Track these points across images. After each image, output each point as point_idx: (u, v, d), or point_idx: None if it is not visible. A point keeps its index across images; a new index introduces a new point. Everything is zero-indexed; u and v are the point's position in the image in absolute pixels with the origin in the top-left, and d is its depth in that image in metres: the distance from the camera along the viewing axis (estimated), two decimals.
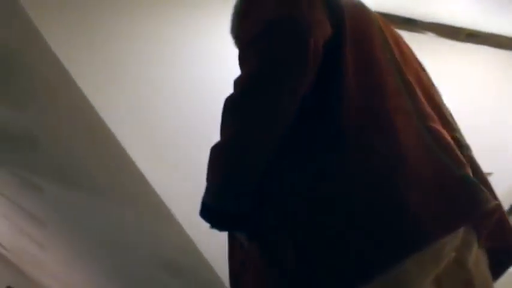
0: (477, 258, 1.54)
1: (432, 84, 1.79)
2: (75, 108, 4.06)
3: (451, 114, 1.75)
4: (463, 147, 1.67)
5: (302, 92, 1.50)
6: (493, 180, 5.39)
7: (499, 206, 1.49)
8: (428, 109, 1.58)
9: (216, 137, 1.61)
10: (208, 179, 1.59)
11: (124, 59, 3.87)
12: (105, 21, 3.78)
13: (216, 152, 1.57)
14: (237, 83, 1.55)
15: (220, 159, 1.56)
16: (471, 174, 1.47)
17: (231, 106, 1.55)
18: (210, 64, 3.85)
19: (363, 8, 1.72)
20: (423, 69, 1.80)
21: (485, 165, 5.35)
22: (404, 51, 1.74)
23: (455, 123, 1.73)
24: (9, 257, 9.36)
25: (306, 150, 1.51)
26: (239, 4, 1.71)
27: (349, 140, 1.46)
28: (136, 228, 5.12)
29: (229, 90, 1.58)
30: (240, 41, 1.66)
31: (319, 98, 1.51)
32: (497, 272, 1.62)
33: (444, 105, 1.75)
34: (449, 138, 1.54)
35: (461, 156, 1.50)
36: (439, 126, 1.55)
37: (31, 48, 3.78)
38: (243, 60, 1.58)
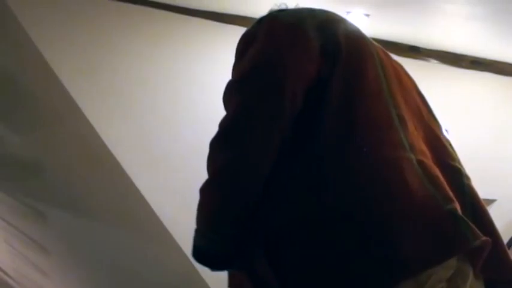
0: (473, 285, 1.53)
1: (432, 116, 1.77)
2: (80, 135, 4.08)
3: (450, 145, 1.74)
4: (464, 176, 1.66)
5: (280, 136, 1.51)
6: (497, 206, 5.38)
7: (487, 242, 1.48)
8: (420, 143, 1.57)
9: None
10: (198, 220, 1.58)
11: (130, 88, 3.89)
12: (112, 51, 3.81)
13: (204, 192, 1.56)
14: (220, 125, 1.57)
15: (210, 199, 1.55)
16: (459, 210, 1.46)
17: (213, 150, 1.56)
18: (216, 94, 3.87)
19: (361, 40, 1.68)
20: (423, 101, 1.78)
21: (488, 192, 5.37)
22: (404, 83, 1.72)
23: (455, 153, 1.72)
24: (13, 284, 9.33)
25: (287, 191, 1.52)
26: (237, 45, 1.71)
27: (329, 180, 1.47)
28: (139, 254, 5.11)
29: None
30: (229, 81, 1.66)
31: (301, 134, 1.52)
32: None
33: (443, 136, 1.74)
34: (438, 173, 1.53)
35: (450, 192, 1.49)
36: (429, 161, 1.55)
37: (38, 76, 3.80)
38: (225, 102, 1.60)
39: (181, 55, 3.98)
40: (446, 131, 1.89)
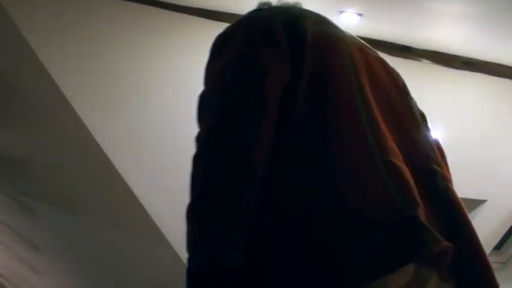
0: None
1: (412, 114, 1.73)
2: (71, 133, 4.07)
3: (431, 144, 1.72)
4: (441, 178, 1.63)
5: (269, 136, 1.47)
6: (487, 207, 5.39)
7: (447, 247, 1.45)
8: (391, 144, 1.53)
9: None
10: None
11: (122, 86, 3.89)
12: (106, 50, 3.80)
13: (195, 214, 1.47)
14: (198, 139, 1.51)
15: (204, 219, 1.46)
16: (421, 215, 1.41)
17: (196, 164, 1.53)
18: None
19: (331, 37, 1.65)
20: (404, 98, 1.75)
21: (479, 192, 5.37)
22: (380, 79, 1.69)
23: (435, 153, 1.70)
24: (4, 283, 9.31)
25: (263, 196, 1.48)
26: (212, 45, 1.69)
27: (286, 189, 1.44)
28: (129, 251, 5.10)
29: None
30: (204, 84, 1.63)
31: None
32: None
33: (423, 135, 1.71)
34: (408, 176, 1.48)
35: (416, 195, 1.45)
36: (399, 163, 1.52)
37: (30, 74, 3.79)
38: (201, 113, 1.56)
39: (176, 54, 3.97)
40: (429, 129, 1.85)
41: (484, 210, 5.19)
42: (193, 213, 1.45)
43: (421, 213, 1.43)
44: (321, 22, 1.69)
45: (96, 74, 3.82)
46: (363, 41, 1.81)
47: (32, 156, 4.78)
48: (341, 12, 3.82)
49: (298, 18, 1.64)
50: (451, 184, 1.63)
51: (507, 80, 4.54)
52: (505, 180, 5.00)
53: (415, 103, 1.80)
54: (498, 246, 5.73)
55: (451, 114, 4.57)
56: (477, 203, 5.21)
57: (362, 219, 1.39)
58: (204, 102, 1.55)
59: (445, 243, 1.42)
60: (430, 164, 1.62)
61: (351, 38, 1.73)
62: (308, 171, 1.46)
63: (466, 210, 1.60)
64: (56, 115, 4.05)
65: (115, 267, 5.77)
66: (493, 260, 5.89)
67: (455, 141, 4.63)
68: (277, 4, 1.74)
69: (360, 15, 3.80)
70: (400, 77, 1.82)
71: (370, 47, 1.81)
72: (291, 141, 1.49)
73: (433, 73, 4.37)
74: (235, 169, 1.46)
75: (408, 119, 1.68)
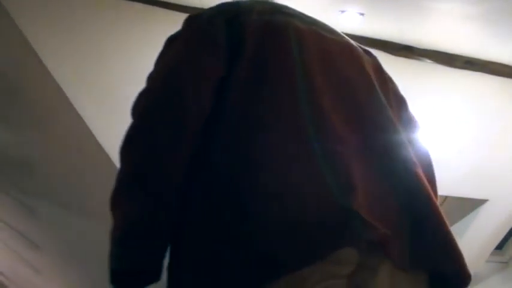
0: (392, 282, 1.41)
1: (376, 98, 1.63)
2: (73, 133, 4.07)
3: (394, 125, 1.60)
4: (402, 161, 1.54)
5: (188, 138, 1.49)
6: (489, 207, 5.39)
7: (383, 235, 1.40)
8: (336, 130, 1.49)
9: None
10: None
11: (124, 86, 3.88)
12: (107, 49, 3.80)
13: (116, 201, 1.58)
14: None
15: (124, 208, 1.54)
16: (355, 201, 1.36)
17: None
18: None
19: (278, 26, 1.63)
20: (368, 81, 1.66)
21: (481, 192, 5.37)
22: (337, 65, 1.64)
23: (400, 136, 1.59)
24: (3, 281, 9.31)
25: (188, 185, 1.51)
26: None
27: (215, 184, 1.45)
28: None
29: None
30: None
31: (209, 131, 1.51)
32: None
33: (385, 117, 1.64)
34: (351, 162, 1.44)
35: (354, 181, 1.40)
36: (344, 149, 1.46)
37: (31, 73, 3.79)
38: (133, 107, 1.60)
39: None
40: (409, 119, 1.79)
41: (485, 210, 5.19)
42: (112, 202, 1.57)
43: (360, 200, 1.39)
44: (268, 12, 1.67)
45: (98, 75, 3.82)
46: (331, 27, 1.79)
47: (32, 155, 4.78)
48: (342, 11, 3.81)
49: (243, 13, 1.64)
50: (416, 167, 1.56)
51: (509, 80, 4.54)
52: (507, 180, 5.01)
53: (384, 85, 1.73)
54: (500, 246, 5.74)
55: (453, 114, 4.57)
56: (479, 202, 5.21)
57: (287, 210, 1.36)
58: (135, 100, 1.60)
59: (382, 231, 1.37)
60: (391, 147, 1.56)
61: (310, 24, 1.70)
62: (236, 163, 1.45)
63: (431, 193, 1.53)
64: (57, 115, 4.06)
65: None
66: (494, 260, 5.91)
67: (456, 141, 4.63)
68: None
69: (362, 14, 3.80)
70: (371, 61, 1.76)
71: (339, 33, 1.77)
72: (223, 137, 1.49)
73: (434, 73, 4.37)
74: (140, 175, 1.50)
75: (369, 102, 1.63)
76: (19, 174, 5.16)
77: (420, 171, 1.56)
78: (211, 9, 1.69)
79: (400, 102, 1.78)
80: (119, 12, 3.80)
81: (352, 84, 1.64)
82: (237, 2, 1.71)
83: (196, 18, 1.66)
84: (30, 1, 3.55)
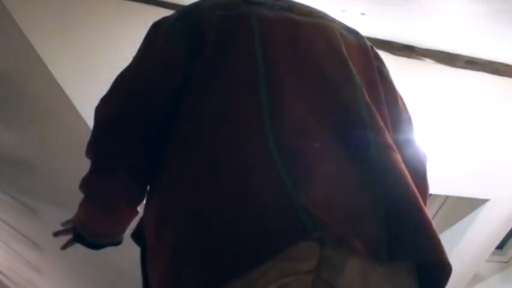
0: (364, 276, 1.36)
1: (348, 81, 1.58)
2: (73, 133, 4.07)
3: (368, 109, 1.54)
4: (375, 144, 1.48)
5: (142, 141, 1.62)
6: (490, 206, 5.38)
7: (334, 232, 1.32)
8: (300, 121, 1.46)
9: None
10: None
11: None
12: (108, 48, 3.80)
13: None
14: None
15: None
16: (305, 198, 1.34)
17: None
18: None
19: (235, 18, 1.62)
20: (344, 66, 1.61)
21: (482, 192, 5.36)
22: (305, 52, 1.60)
23: (373, 119, 1.53)
24: (5, 281, 9.32)
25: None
26: None
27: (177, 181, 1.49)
28: (132, 251, 5.10)
29: None
30: None
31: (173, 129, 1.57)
32: None
33: (360, 102, 1.54)
34: (307, 157, 1.41)
35: (312, 175, 1.38)
36: (303, 141, 1.43)
37: (31, 72, 3.79)
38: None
39: None
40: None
41: (486, 209, 5.19)
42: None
43: (315, 194, 1.36)
44: (231, 5, 1.67)
45: (99, 74, 3.82)
46: (311, 9, 1.76)
47: (33, 155, 4.78)
48: (343, 11, 3.81)
49: (204, 11, 1.65)
50: (392, 150, 1.51)
51: (511, 79, 4.53)
52: (508, 180, 5.00)
53: (369, 66, 1.70)
54: (501, 246, 5.74)
55: (454, 113, 4.57)
56: (480, 202, 5.21)
57: (239, 209, 1.35)
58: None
59: (334, 228, 1.34)
60: (363, 131, 1.51)
61: (282, 10, 1.68)
62: (191, 159, 1.46)
63: (408, 180, 1.48)
64: (58, 115, 4.05)
65: (117, 267, 5.77)
66: (495, 260, 5.91)
67: (457, 141, 4.62)
68: None
69: (363, 14, 3.80)
70: (355, 41, 1.73)
71: (319, 14, 1.75)
72: (179, 136, 1.53)
73: (435, 72, 4.37)
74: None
75: (343, 89, 1.58)
76: (20, 174, 5.17)
77: (398, 158, 1.51)
78: (175, 12, 1.73)
79: (385, 83, 1.74)
80: (120, 11, 3.80)
81: (324, 72, 1.59)
82: (198, 3, 1.71)
83: (159, 24, 1.72)
84: (31, 1, 3.54)
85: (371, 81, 1.65)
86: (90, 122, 3.73)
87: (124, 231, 1.91)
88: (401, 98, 1.76)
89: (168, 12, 1.77)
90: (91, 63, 3.78)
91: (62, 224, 2.03)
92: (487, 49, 4.27)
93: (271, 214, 1.34)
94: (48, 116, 4.19)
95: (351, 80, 1.59)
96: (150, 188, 1.64)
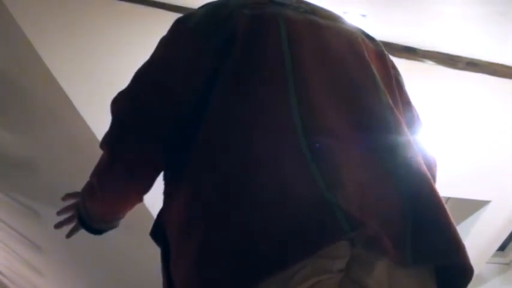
0: (391, 278, 1.38)
1: (372, 85, 1.60)
2: (75, 135, 4.07)
3: (392, 114, 1.56)
4: (400, 151, 1.50)
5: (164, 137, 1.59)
6: (491, 208, 5.37)
7: (369, 230, 1.33)
8: (328, 123, 1.47)
9: None
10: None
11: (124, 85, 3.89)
12: (111, 51, 3.81)
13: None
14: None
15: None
16: (340, 198, 1.34)
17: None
18: None
19: (268, 20, 1.61)
20: (366, 69, 1.63)
21: (483, 193, 5.35)
22: (333, 57, 1.61)
23: (397, 124, 1.56)
24: (6, 283, 9.32)
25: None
26: None
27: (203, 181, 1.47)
28: (139, 257, 5.10)
29: None
30: None
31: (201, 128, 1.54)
32: None
33: (384, 106, 1.57)
34: (339, 157, 1.42)
35: (341, 176, 1.39)
36: (334, 142, 1.44)
37: (34, 75, 3.79)
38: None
39: None
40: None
41: (488, 211, 5.19)
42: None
43: (349, 194, 1.37)
44: (260, 4, 1.66)
45: (101, 75, 3.82)
46: (333, 13, 1.76)
47: (34, 157, 4.79)
48: (344, 13, 3.81)
49: (233, 11, 1.63)
50: (415, 153, 1.54)
51: (511, 81, 4.54)
52: (509, 181, 5.00)
53: (387, 72, 1.72)
54: (502, 247, 5.73)
55: (455, 115, 4.57)
56: (481, 204, 5.21)
57: (274, 209, 1.35)
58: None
59: (368, 225, 1.35)
60: (388, 138, 1.53)
61: (307, 13, 1.68)
62: (221, 159, 1.45)
63: (434, 187, 1.50)
64: (60, 117, 4.06)
65: (119, 270, 5.77)
66: (497, 261, 5.90)
67: (459, 142, 4.62)
68: None
69: (364, 16, 3.80)
70: (373, 47, 1.76)
71: (340, 19, 1.76)
72: (208, 136, 1.51)
73: (436, 74, 4.37)
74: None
75: (368, 92, 1.60)
76: (23, 176, 5.17)
77: (421, 160, 1.53)
78: (201, 8, 1.69)
79: (401, 90, 1.75)
80: (121, 13, 3.80)
81: (350, 74, 1.61)
82: (225, 1, 1.70)
83: (185, 20, 1.67)
84: (33, 3, 3.55)
85: (389, 87, 1.68)
86: (92, 123, 3.74)
87: (124, 216, 1.95)
88: (415, 110, 1.79)
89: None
90: (92, 65, 3.78)
91: (62, 210, 2.12)
92: (487, 51, 4.27)
93: (307, 214, 1.34)
94: (49, 118, 4.20)
95: (375, 84, 1.61)
96: (172, 186, 1.62)
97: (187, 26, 1.65)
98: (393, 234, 1.38)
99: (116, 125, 1.66)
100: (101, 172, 1.76)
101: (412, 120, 1.74)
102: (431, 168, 1.69)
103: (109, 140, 1.67)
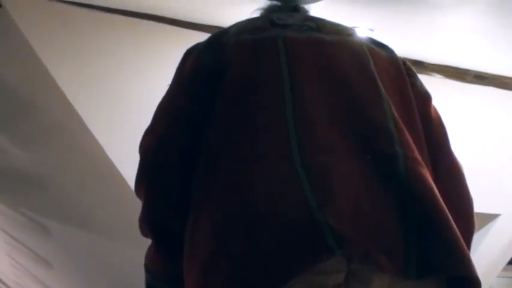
0: None
1: (377, 101, 1.60)
2: (83, 148, 4.07)
3: (395, 124, 1.56)
4: (402, 162, 1.49)
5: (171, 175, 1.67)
6: (501, 221, 5.35)
7: (356, 249, 1.34)
8: (322, 142, 1.48)
9: None
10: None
11: (134, 99, 3.90)
12: (116, 62, 3.82)
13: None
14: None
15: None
16: (330, 215, 1.34)
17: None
18: None
19: (265, 42, 1.65)
20: (374, 83, 1.63)
21: (492, 207, 5.34)
22: (338, 70, 1.63)
23: (401, 135, 1.55)
24: None
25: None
26: None
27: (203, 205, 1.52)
28: (141, 269, 5.09)
29: None
30: None
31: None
32: None
33: (387, 117, 1.57)
34: (333, 172, 1.43)
35: (334, 193, 1.40)
36: (329, 159, 1.45)
37: (40, 87, 3.81)
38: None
39: None
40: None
41: (497, 224, 5.16)
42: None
43: (339, 211, 1.37)
44: (258, 29, 1.70)
45: (110, 90, 3.83)
46: (340, 27, 1.79)
47: (43, 172, 4.79)
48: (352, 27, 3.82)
49: (231, 37, 1.68)
50: (419, 165, 1.53)
51: None
52: None
53: (402, 81, 1.74)
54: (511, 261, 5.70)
55: (463, 128, 4.56)
56: (491, 217, 5.18)
57: (264, 229, 1.37)
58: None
59: (358, 245, 1.35)
60: (389, 149, 1.52)
61: (311, 30, 1.70)
62: (216, 181, 1.49)
63: (436, 196, 1.50)
64: (69, 132, 4.06)
65: (127, 286, 5.76)
66: (507, 275, 5.87)
67: (467, 156, 4.60)
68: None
69: (372, 30, 3.81)
70: (385, 56, 1.76)
71: (348, 31, 1.79)
72: (206, 155, 1.56)
73: (445, 87, 4.36)
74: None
75: (370, 103, 1.60)
76: (33, 192, 5.17)
77: (426, 173, 1.53)
78: (205, 41, 1.75)
79: (422, 99, 1.78)
80: (129, 29, 3.82)
81: (352, 89, 1.61)
82: (227, 29, 1.75)
83: (193, 49, 1.75)
84: (37, 14, 3.56)
85: (403, 96, 1.68)
86: (100, 138, 3.75)
87: None
88: (438, 116, 1.81)
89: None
90: (101, 80, 3.79)
91: None
92: (495, 64, 4.26)
93: (295, 233, 1.36)
94: (58, 132, 4.20)
95: (379, 96, 1.61)
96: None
97: (192, 55, 1.73)
98: (390, 249, 1.38)
99: (143, 166, 1.86)
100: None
101: (432, 133, 1.79)
102: (467, 199, 1.77)
103: (141, 188, 1.93)
